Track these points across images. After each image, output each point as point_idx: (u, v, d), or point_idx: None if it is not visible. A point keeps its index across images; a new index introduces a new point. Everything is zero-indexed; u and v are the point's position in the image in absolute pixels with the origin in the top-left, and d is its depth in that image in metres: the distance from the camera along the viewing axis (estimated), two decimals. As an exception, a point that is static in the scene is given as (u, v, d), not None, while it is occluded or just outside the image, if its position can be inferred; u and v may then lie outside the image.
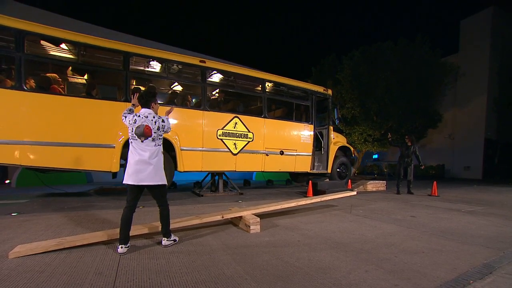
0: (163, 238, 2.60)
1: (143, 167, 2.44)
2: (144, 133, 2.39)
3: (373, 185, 8.32)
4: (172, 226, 2.91)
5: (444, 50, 15.35)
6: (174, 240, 2.64)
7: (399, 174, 7.58)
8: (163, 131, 2.57)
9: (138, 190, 2.52)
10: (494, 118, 18.03)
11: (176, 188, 8.01)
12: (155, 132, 2.49)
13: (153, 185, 2.51)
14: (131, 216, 2.47)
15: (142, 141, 2.44)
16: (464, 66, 17.85)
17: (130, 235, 2.52)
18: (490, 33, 17.65)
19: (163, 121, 2.57)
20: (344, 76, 14.85)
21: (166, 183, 2.66)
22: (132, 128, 2.44)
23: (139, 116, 2.50)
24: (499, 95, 17.52)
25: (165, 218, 2.59)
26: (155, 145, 2.52)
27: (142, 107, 2.59)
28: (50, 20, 4.85)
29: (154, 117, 2.53)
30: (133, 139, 2.47)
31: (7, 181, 9.01)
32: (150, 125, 2.44)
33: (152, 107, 2.62)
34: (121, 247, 2.38)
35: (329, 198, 4.84)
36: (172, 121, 5.58)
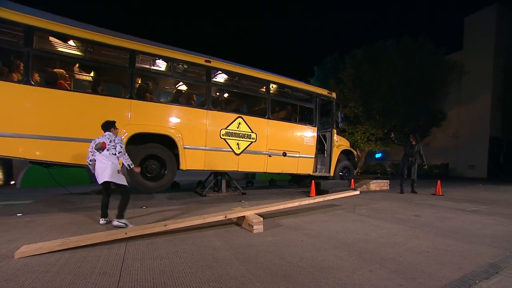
0: (117, 220, 3.30)
1: (103, 170, 3.35)
2: (101, 147, 3.40)
3: (376, 185, 8.27)
4: (175, 226, 2.99)
5: (447, 47, 15.23)
6: (125, 224, 3.26)
7: (402, 173, 7.53)
8: (114, 143, 3.44)
9: (104, 185, 3.45)
10: (499, 116, 17.83)
11: (179, 188, 8.03)
12: (108, 144, 3.40)
13: (110, 181, 3.37)
14: (107, 200, 3.58)
15: (100, 153, 3.38)
16: (468, 64, 17.69)
17: (134, 235, 2.70)
18: (495, 30, 17.45)
19: (114, 137, 3.50)
20: (346, 75, 14.80)
21: (120, 182, 3.45)
22: (92, 146, 3.44)
23: (99, 138, 3.48)
24: (504, 93, 17.32)
25: (122, 204, 3.39)
26: (110, 153, 3.40)
27: (104, 131, 3.53)
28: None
29: (110, 136, 3.49)
30: (95, 153, 3.41)
31: (12, 182, 9.11)
32: (105, 141, 3.42)
33: (112, 131, 3.57)
34: (102, 219, 3.51)
35: (332, 198, 4.82)
36: (175, 119, 5.60)
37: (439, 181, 7.38)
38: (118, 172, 3.42)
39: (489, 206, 5.23)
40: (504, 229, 3.42)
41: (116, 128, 3.67)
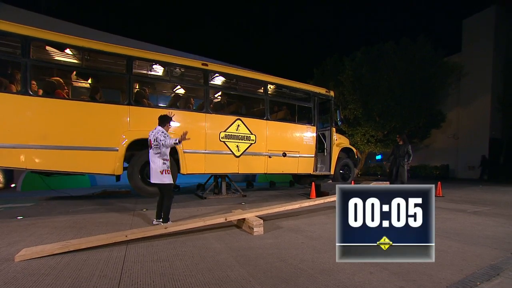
0: (159, 221, 3.44)
1: (151, 169, 3.44)
2: (149, 144, 3.45)
3: (376, 186, 8.25)
4: (176, 228, 3.00)
5: (446, 49, 15.28)
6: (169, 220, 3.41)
7: (390, 175, 7.40)
8: (157, 142, 3.35)
9: (155, 185, 3.47)
10: (498, 117, 17.83)
11: (180, 191, 8.02)
12: (153, 143, 3.37)
13: (153, 183, 3.44)
14: (161, 201, 3.50)
15: (149, 150, 3.44)
16: (467, 65, 17.72)
17: (134, 238, 2.70)
18: (494, 32, 17.50)
19: (160, 135, 3.35)
20: (346, 77, 14.83)
21: (166, 183, 3.44)
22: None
23: (152, 131, 3.48)
24: (504, 94, 17.33)
25: (165, 208, 3.42)
26: (154, 153, 3.39)
27: (158, 125, 3.50)
28: (45, 25, 4.89)
29: (158, 132, 3.37)
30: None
31: (12, 185, 9.11)
32: (151, 139, 3.41)
33: (165, 126, 3.53)
34: (155, 220, 3.49)
35: (333, 200, 4.82)
36: (175, 124, 5.61)
37: (439, 183, 7.36)
38: (162, 173, 3.36)
39: (489, 208, 5.22)
40: (505, 231, 3.42)
41: (169, 125, 3.56)
